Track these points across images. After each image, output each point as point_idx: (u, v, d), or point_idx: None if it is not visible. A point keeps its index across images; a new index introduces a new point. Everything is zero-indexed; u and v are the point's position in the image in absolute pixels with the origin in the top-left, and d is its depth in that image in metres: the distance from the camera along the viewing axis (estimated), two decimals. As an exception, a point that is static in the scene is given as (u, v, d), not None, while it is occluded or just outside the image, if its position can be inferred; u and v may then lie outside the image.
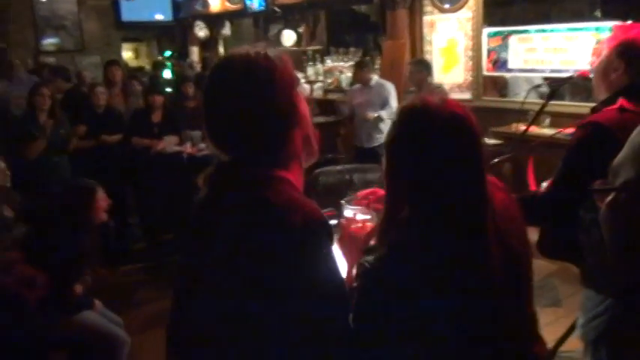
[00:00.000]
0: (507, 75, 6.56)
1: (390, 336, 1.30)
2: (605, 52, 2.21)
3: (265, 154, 1.30)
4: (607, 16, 2.11)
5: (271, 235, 1.21)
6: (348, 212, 1.86)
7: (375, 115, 6.16)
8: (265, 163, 1.30)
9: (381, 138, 6.19)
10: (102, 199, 3.75)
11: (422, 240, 1.30)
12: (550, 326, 2.99)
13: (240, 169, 1.30)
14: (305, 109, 1.36)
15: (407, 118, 1.37)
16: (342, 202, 1.92)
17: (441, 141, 1.31)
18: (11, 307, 2.99)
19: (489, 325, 1.32)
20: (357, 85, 6.56)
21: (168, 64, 10.54)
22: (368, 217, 1.85)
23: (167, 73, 9.74)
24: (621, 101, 2.08)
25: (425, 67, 6.34)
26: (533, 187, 2.49)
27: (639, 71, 2.13)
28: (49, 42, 11.26)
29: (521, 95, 3.90)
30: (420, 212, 1.33)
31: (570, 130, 2.27)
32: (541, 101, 2.72)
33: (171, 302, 1.44)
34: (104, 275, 4.34)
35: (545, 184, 2.29)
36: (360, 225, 1.81)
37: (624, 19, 4.17)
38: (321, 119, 7.71)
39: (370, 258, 1.34)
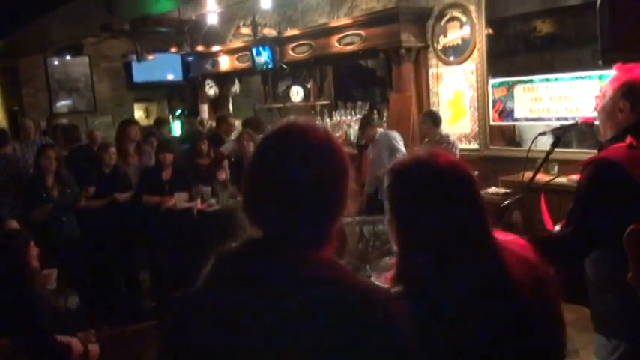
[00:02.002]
0: (514, 124, 6.61)
1: None
2: (609, 92, 2.22)
3: (308, 234, 1.19)
4: (608, 64, 2.15)
5: (362, 322, 1.09)
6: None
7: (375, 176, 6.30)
8: (307, 242, 1.18)
9: None
10: (32, 246, 3.71)
11: (436, 275, 1.35)
12: (568, 377, 2.90)
13: (284, 249, 1.17)
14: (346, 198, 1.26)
15: (398, 176, 1.47)
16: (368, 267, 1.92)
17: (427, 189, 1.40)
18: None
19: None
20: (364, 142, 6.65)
21: (172, 121, 10.74)
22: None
23: (175, 129, 9.86)
24: (629, 139, 2.08)
25: (431, 118, 6.39)
26: (549, 226, 2.47)
27: None
28: (63, 104, 11.51)
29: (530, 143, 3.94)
30: (429, 250, 1.38)
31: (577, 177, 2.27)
32: (557, 149, 2.73)
33: None
34: (114, 333, 4.29)
35: (558, 227, 2.27)
36: None
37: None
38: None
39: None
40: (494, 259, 1.40)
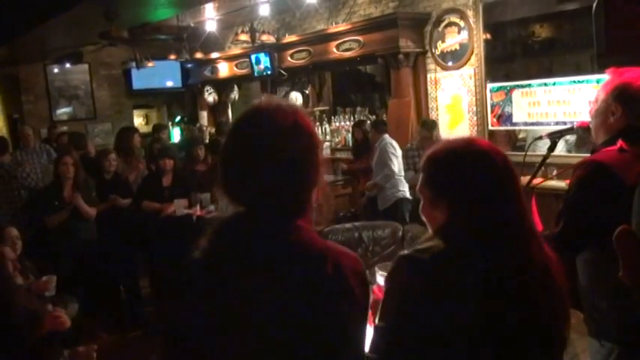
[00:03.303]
0: (514, 129, 6.62)
1: (422, 330, 1.39)
2: (601, 97, 2.24)
3: (285, 206, 1.30)
4: (603, 68, 2.16)
5: (331, 282, 1.24)
6: (380, 279, 1.88)
7: (371, 183, 6.49)
8: (285, 213, 1.30)
9: (392, 198, 6.31)
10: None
11: (476, 243, 1.42)
12: (568, 381, 2.90)
13: (265, 220, 1.29)
14: (322, 176, 1.38)
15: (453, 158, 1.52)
16: (376, 268, 1.95)
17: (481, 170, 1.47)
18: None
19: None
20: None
21: (172, 128, 10.74)
22: None
23: (174, 136, 9.87)
24: (620, 143, 2.10)
25: (426, 126, 6.39)
26: (539, 226, 2.48)
27: (637, 114, 2.15)
28: (63, 111, 11.54)
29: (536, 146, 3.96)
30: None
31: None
32: (555, 153, 2.74)
33: None
34: (113, 341, 4.28)
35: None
36: None
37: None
38: (330, 178, 7.76)
39: (413, 250, 1.47)
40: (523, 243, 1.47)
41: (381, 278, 1.89)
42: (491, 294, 1.39)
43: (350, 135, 8.62)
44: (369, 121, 7.90)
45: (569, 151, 5.91)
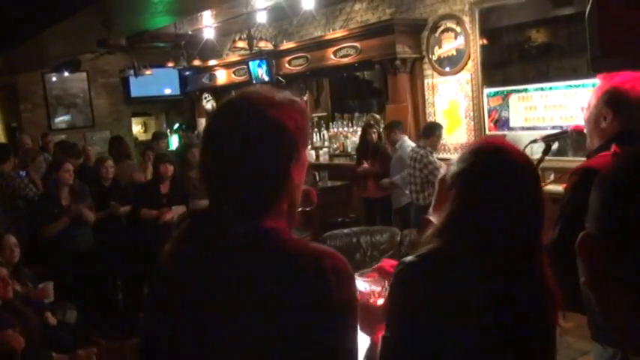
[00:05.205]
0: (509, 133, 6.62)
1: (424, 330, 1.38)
2: (593, 102, 2.25)
3: (248, 206, 1.22)
4: (597, 72, 2.17)
5: (310, 283, 1.15)
6: (361, 286, 1.88)
7: (388, 181, 6.51)
8: (249, 213, 1.22)
9: (407, 199, 6.35)
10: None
11: (480, 242, 1.41)
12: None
13: (225, 220, 1.21)
14: (300, 178, 1.29)
15: (477, 153, 1.51)
16: (356, 275, 1.94)
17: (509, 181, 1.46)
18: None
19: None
20: None
21: (170, 135, 10.74)
22: (379, 288, 1.87)
23: (173, 144, 9.88)
24: (614, 148, 2.10)
25: (424, 131, 6.42)
26: None
27: (628, 117, 2.16)
28: (61, 119, 11.56)
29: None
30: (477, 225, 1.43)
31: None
32: (551, 157, 2.77)
33: None
34: (112, 348, 4.27)
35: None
36: (374, 298, 1.85)
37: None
38: (329, 183, 7.78)
39: (411, 257, 1.45)
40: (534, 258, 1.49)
41: (361, 285, 1.88)
42: (496, 300, 1.39)
43: (348, 141, 8.65)
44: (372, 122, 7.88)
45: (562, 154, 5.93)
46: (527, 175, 1.48)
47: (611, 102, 2.18)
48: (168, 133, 11.42)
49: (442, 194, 1.57)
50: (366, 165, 6.89)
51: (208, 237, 1.23)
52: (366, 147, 7.01)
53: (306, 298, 1.13)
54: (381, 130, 7.13)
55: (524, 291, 1.43)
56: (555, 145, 2.50)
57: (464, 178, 1.47)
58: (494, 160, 1.47)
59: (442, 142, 6.73)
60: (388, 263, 1.94)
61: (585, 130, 2.34)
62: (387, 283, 1.78)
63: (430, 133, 6.22)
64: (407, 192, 6.28)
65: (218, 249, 1.20)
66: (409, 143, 6.49)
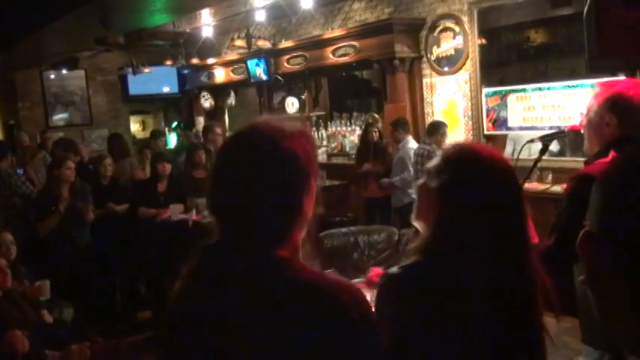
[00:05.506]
0: (508, 133, 6.63)
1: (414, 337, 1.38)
2: (594, 108, 2.23)
3: (265, 241, 1.21)
4: (595, 72, 2.17)
5: (326, 314, 1.14)
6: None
7: (388, 181, 6.52)
8: (265, 248, 1.21)
9: (407, 198, 6.39)
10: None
11: (460, 251, 1.40)
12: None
13: (244, 254, 1.20)
14: (309, 206, 1.27)
15: (455, 163, 1.49)
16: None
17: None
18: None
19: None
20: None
21: (168, 133, 10.73)
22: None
23: (171, 142, 9.88)
24: (612, 154, 2.09)
25: (428, 129, 6.42)
26: (534, 238, 2.49)
27: (630, 124, 2.15)
28: (59, 117, 11.55)
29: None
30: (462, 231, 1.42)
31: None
32: (549, 157, 2.77)
33: None
34: (109, 346, 4.27)
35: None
36: None
37: (613, 74, 4.22)
38: (327, 183, 7.77)
39: (395, 269, 1.44)
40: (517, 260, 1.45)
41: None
42: (483, 310, 1.38)
43: (346, 140, 8.65)
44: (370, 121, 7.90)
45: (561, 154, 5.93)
46: (506, 178, 1.47)
47: (616, 108, 2.16)
48: (167, 132, 11.41)
49: (423, 201, 1.56)
50: (368, 165, 6.87)
51: (219, 272, 1.21)
52: (367, 146, 6.98)
53: (323, 329, 1.12)
54: (381, 129, 7.13)
55: (514, 298, 1.42)
56: (556, 147, 2.50)
57: (444, 191, 1.46)
58: (473, 170, 1.45)
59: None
60: (376, 273, 1.97)
61: (584, 135, 2.33)
62: (374, 293, 1.80)
63: (434, 131, 6.22)
64: (410, 191, 6.27)
65: (230, 284, 1.18)
66: (412, 144, 6.49)
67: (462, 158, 1.48)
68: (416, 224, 1.59)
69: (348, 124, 8.90)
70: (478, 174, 1.45)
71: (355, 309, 1.16)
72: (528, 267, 1.46)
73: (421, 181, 1.56)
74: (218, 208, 1.26)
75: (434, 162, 1.51)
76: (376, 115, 8.54)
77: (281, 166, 1.20)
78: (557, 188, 5.09)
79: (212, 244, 1.26)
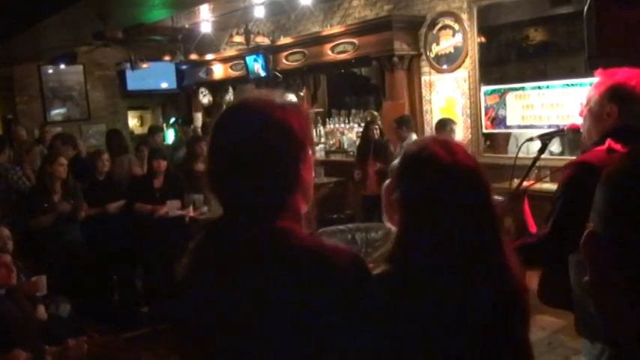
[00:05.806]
0: (506, 131, 6.63)
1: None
2: (594, 98, 2.22)
3: (260, 208, 1.25)
4: (595, 70, 2.17)
5: (332, 282, 1.18)
6: None
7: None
8: (261, 215, 1.24)
9: None
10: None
11: (426, 257, 1.39)
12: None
13: (240, 224, 1.24)
14: (307, 175, 1.31)
15: (413, 166, 1.47)
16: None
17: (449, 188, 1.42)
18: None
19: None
20: None
21: (166, 129, 10.70)
22: None
23: (169, 138, 9.86)
24: (609, 142, 2.08)
25: (436, 126, 6.44)
26: (532, 228, 2.48)
27: (631, 114, 2.14)
28: (57, 112, 11.51)
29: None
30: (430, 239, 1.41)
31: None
32: (549, 156, 2.76)
33: None
34: (106, 342, 4.26)
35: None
36: None
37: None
38: (324, 180, 7.76)
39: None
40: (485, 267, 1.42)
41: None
42: (453, 315, 1.37)
43: (344, 138, 8.63)
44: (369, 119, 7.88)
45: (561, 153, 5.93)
46: (468, 177, 1.45)
47: (617, 98, 2.15)
48: (165, 127, 11.39)
49: (388, 201, 1.56)
50: (358, 175, 6.95)
51: (224, 246, 1.25)
52: (367, 144, 6.95)
53: (325, 294, 1.16)
54: (381, 126, 7.12)
55: (486, 300, 1.40)
56: (556, 148, 2.49)
57: (404, 196, 1.46)
58: (431, 172, 1.43)
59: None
60: None
61: (582, 126, 2.32)
62: None
63: (442, 128, 6.21)
64: None
65: (235, 256, 1.22)
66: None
67: (420, 160, 1.46)
68: (387, 224, 1.59)
69: (347, 121, 8.89)
70: (436, 176, 1.42)
71: (355, 271, 1.21)
72: (502, 268, 1.44)
73: (387, 182, 1.56)
74: (217, 184, 1.29)
75: (394, 164, 1.51)
76: (375, 113, 8.53)
77: (273, 135, 1.23)
78: (555, 186, 5.08)
79: (215, 220, 1.31)
